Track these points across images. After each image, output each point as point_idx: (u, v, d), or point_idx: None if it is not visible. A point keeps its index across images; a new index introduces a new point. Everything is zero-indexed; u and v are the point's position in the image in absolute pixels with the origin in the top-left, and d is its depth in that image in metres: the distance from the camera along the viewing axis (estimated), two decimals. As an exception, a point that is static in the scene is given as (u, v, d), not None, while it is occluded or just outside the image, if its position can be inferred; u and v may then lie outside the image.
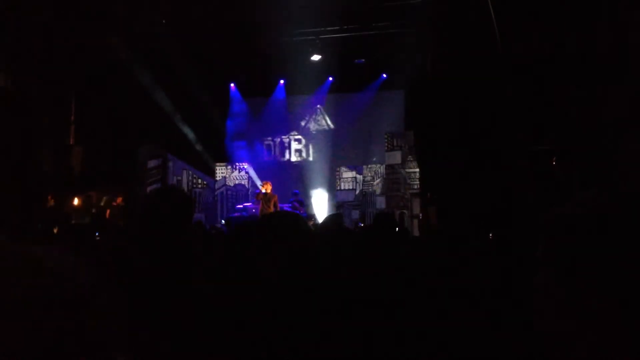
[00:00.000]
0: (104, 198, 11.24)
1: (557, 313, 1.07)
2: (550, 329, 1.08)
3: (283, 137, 15.66)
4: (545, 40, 8.00)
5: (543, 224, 1.14)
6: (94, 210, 10.71)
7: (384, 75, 14.44)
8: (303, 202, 13.24)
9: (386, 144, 13.64)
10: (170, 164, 14.24)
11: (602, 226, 1.06)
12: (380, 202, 13.46)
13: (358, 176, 14.02)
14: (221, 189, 14.71)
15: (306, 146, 15.51)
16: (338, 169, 14.42)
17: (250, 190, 14.85)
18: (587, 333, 1.04)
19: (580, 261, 1.05)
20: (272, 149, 15.74)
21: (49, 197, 9.85)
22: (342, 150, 14.98)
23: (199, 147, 14.62)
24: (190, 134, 14.42)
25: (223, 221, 13.54)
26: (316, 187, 14.80)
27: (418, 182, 12.73)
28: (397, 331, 2.02)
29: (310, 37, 12.81)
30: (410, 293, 2.23)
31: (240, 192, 14.81)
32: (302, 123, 15.55)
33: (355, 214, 13.68)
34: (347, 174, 14.11)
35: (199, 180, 14.60)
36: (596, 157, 6.66)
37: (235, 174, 14.89)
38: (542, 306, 1.10)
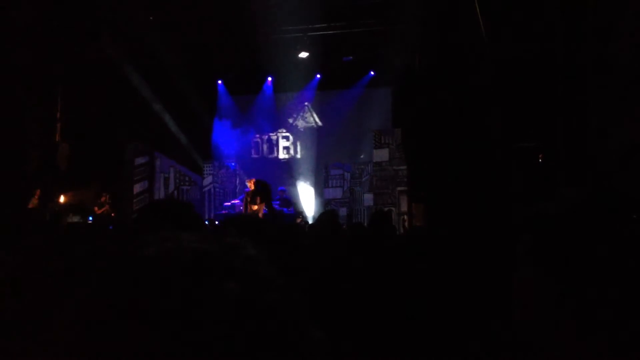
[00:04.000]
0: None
1: (538, 310, 1.09)
2: (531, 327, 1.10)
3: (271, 134, 15.63)
4: (532, 38, 8.06)
5: (526, 220, 1.16)
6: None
7: (372, 73, 14.46)
8: (290, 200, 13.24)
9: (374, 141, 13.66)
10: (158, 161, 14.17)
11: (585, 223, 1.08)
12: (368, 200, 13.49)
13: (346, 173, 14.03)
14: (209, 187, 14.67)
15: (294, 143, 15.49)
16: (326, 166, 14.42)
17: (238, 188, 14.82)
18: (568, 331, 1.06)
19: (563, 258, 1.07)
20: (260, 146, 15.71)
21: (36, 196, 9.78)
22: (329, 147, 14.99)
23: (185, 143, 14.60)
24: (177, 131, 14.38)
25: (207, 222, 13.53)
26: (304, 185, 14.80)
27: (405, 180, 12.77)
28: (387, 328, 2.04)
29: (297, 34, 12.81)
30: (397, 290, 2.25)
31: (227, 190, 14.78)
32: (290, 120, 15.54)
33: (343, 211, 13.70)
34: (335, 171, 14.11)
35: (187, 178, 14.54)
36: (581, 155, 6.73)
37: (223, 172, 14.86)
38: (523, 304, 1.12)
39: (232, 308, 0.49)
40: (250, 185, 12.23)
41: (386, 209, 12.58)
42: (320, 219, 4.23)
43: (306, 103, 15.36)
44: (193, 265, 0.51)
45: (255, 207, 11.78)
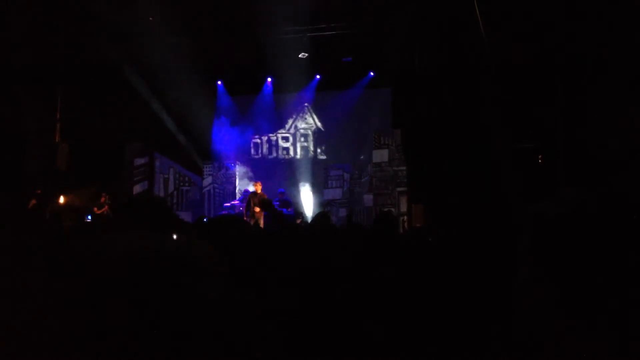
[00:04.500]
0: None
1: (538, 310, 1.08)
2: (531, 326, 1.09)
3: (270, 135, 15.61)
4: (533, 38, 8.06)
5: (526, 220, 1.16)
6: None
7: (371, 73, 14.45)
8: (289, 201, 13.24)
9: (373, 142, 13.65)
10: (157, 162, 14.17)
11: (585, 224, 1.08)
12: (368, 200, 13.48)
13: (345, 174, 14.02)
14: (208, 187, 14.67)
15: (293, 144, 15.48)
16: (325, 167, 14.42)
17: (237, 189, 14.82)
18: (568, 331, 1.05)
19: (563, 258, 1.07)
20: (260, 147, 15.70)
21: (34, 197, 9.77)
22: (329, 148, 14.98)
23: (184, 143, 14.61)
24: (177, 132, 14.41)
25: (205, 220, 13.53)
26: (304, 185, 14.79)
27: (405, 180, 12.77)
28: (385, 326, 2.04)
29: (297, 35, 12.81)
30: (394, 290, 2.24)
31: (227, 191, 14.78)
32: (290, 121, 15.52)
33: (343, 212, 13.70)
34: (335, 172, 14.11)
35: (186, 178, 14.54)
36: (581, 155, 6.72)
37: (223, 172, 14.85)
38: (523, 303, 1.12)
39: (186, 302, 0.50)
40: (257, 188, 12.23)
41: (386, 209, 12.59)
42: (313, 220, 4.25)
43: (306, 104, 15.34)
44: (150, 263, 0.52)
45: (258, 209, 11.78)
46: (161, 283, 2.05)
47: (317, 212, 13.97)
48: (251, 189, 12.91)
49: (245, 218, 11.54)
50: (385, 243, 3.40)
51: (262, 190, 12.32)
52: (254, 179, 13.53)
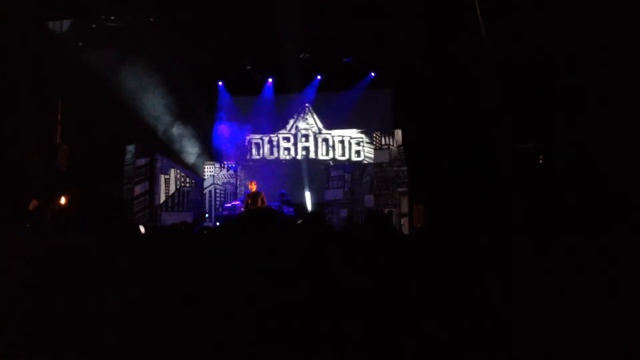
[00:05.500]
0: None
1: (538, 310, 1.09)
2: (531, 326, 1.10)
3: (272, 135, 15.64)
4: (533, 39, 8.06)
5: (526, 220, 1.16)
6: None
7: (372, 74, 14.46)
8: (290, 201, 13.25)
9: (374, 142, 13.65)
10: (158, 162, 14.18)
11: (583, 224, 1.08)
12: (369, 201, 13.48)
13: (346, 174, 14.02)
14: (209, 188, 14.67)
15: (294, 144, 15.50)
16: (326, 167, 14.43)
17: (239, 189, 14.83)
18: (568, 330, 1.06)
19: (563, 258, 1.07)
20: (261, 147, 15.72)
21: (35, 198, 9.77)
22: (330, 148, 15.00)
23: (185, 143, 14.66)
24: (178, 132, 14.46)
25: (207, 216, 13.60)
26: (305, 186, 14.80)
27: (406, 181, 12.76)
28: (383, 328, 2.04)
29: (298, 35, 12.81)
30: (395, 290, 2.25)
31: (228, 191, 14.78)
32: (291, 121, 15.55)
33: (344, 212, 13.70)
34: (336, 172, 14.11)
35: (187, 179, 14.54)
36: (580, 157, 6.73)
37: (224, 173, 14.86)
38: (523, 303, 1.12)
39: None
40: (252, 187, 12.24)
41: (387, 210, 12.59)
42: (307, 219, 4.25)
43: (307, 104, 15.36)
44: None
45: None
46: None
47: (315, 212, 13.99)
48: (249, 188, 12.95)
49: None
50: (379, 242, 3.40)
51: (257, 189, 12.31)
52: (252, 178, 13.55)
